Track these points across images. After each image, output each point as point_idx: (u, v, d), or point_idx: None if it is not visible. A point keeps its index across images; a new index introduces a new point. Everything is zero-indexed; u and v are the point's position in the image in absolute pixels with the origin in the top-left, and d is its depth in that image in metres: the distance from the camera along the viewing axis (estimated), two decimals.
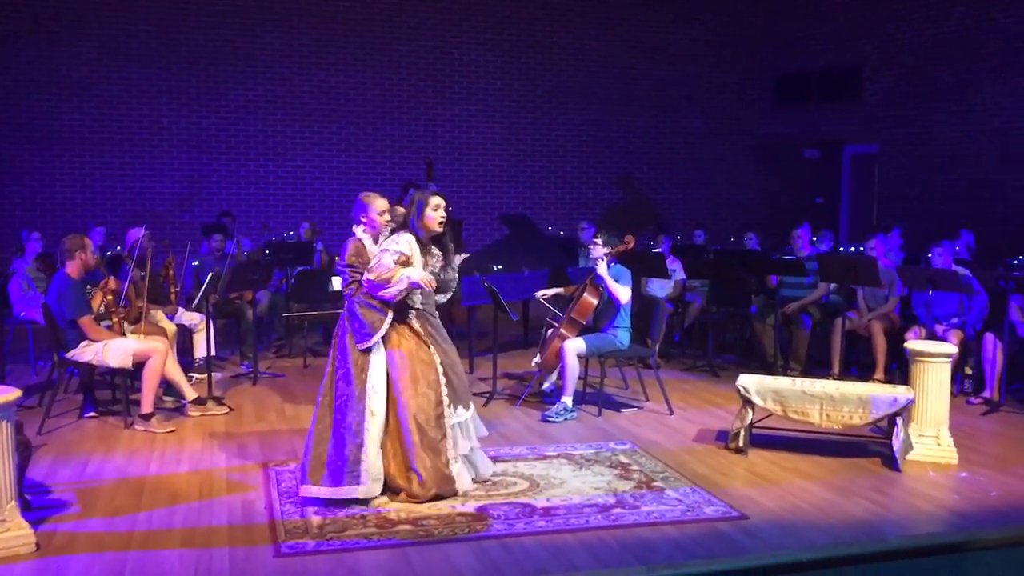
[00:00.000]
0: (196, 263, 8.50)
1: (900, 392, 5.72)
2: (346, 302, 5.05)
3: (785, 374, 8.24)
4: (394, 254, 4.87)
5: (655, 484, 5.29)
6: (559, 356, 6.76)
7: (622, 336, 6.88)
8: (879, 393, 5.73)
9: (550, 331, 7.11)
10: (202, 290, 7.22)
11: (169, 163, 11.42)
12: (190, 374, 7.58)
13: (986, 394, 7.40)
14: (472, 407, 5.22)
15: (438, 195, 5.06)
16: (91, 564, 4.16)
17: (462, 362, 5.44)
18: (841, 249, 10.14)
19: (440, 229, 5.05)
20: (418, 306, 5.05)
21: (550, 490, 5.16)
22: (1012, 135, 10.71)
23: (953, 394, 7.58)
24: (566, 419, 6.67)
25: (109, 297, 6.64)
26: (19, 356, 8.35)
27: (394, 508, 4.83)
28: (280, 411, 6.97)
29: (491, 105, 12.53)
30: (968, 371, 7.74)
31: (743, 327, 9.33)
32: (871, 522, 4.77)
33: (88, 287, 6.71)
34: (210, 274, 7.39)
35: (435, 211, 5.00)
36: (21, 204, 10.90)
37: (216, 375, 8.06)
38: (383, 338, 4.93)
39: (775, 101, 13.39)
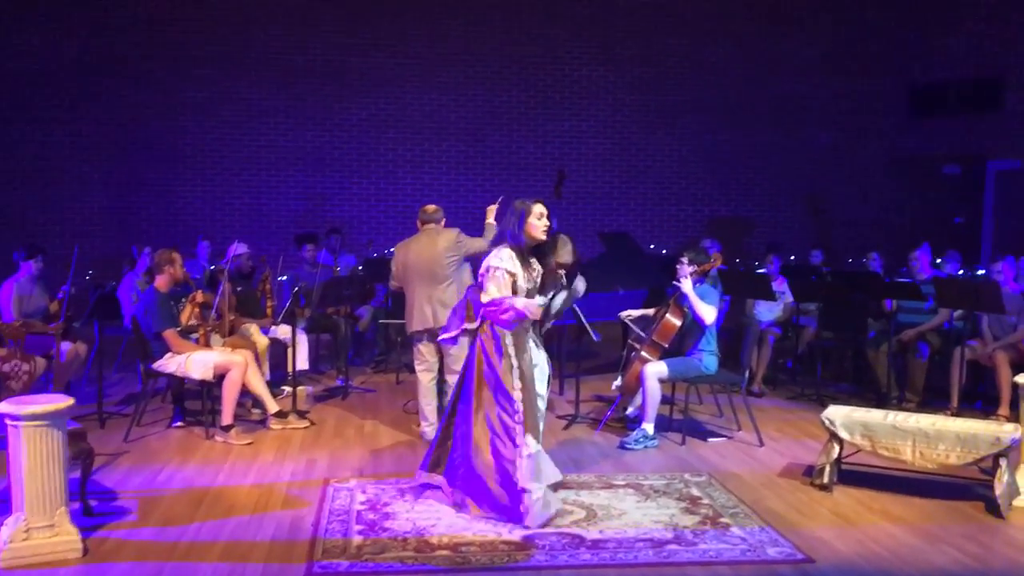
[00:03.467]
0: (284, 277, 8.63)
1: (1006, 430, 5.16)
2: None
3: (900, 406, 7.68)
4: (500, 274, 4.78)
5: (721, 520, 4.94)
6: (639, 380, 6.47)
7: (708, 360, 6.53)
8: (981, 431, 5.18)
9: (632, 353, 6.83)
10: (287, 303, 7.31)
11: (285, 180, 11.75)
12: (282, 387, 7.71)
13: None
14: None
15: (541, 203, 4.94)
16: (130, 572, 4.20)
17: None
18: (979, 272, 9.35)
19: (544, 237, 4.92)
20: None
21: (606, 521, 4.90)
22: None
23: None
24: (646, 447, 6.38)
25: (196, 310, 6.81)
26: (131, 365, 8.70)
27: (439, 532, 4.69)
28: (359, 428, 6.96)
29: (601, 121, 12.30)
30: None
31: (857, 354, 8.74)
32: (953, 574, 4.29)
33: (182, 300, 6.91)
34: (296, 288, 7.47)
35: (539, 220, 4.89)
36: (146, 219, 11.44)
37: (308, 389, 8.18)
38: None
39: (911, 114, 12.58)
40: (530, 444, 4.76)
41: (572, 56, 12.19)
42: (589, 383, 8.05)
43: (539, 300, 4.85)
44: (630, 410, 6.99)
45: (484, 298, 4.75)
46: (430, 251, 6.41)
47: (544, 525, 4.72)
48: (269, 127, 11.71)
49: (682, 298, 6.52)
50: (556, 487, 5.17)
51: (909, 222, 12.03)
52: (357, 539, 4.60)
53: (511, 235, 4.88)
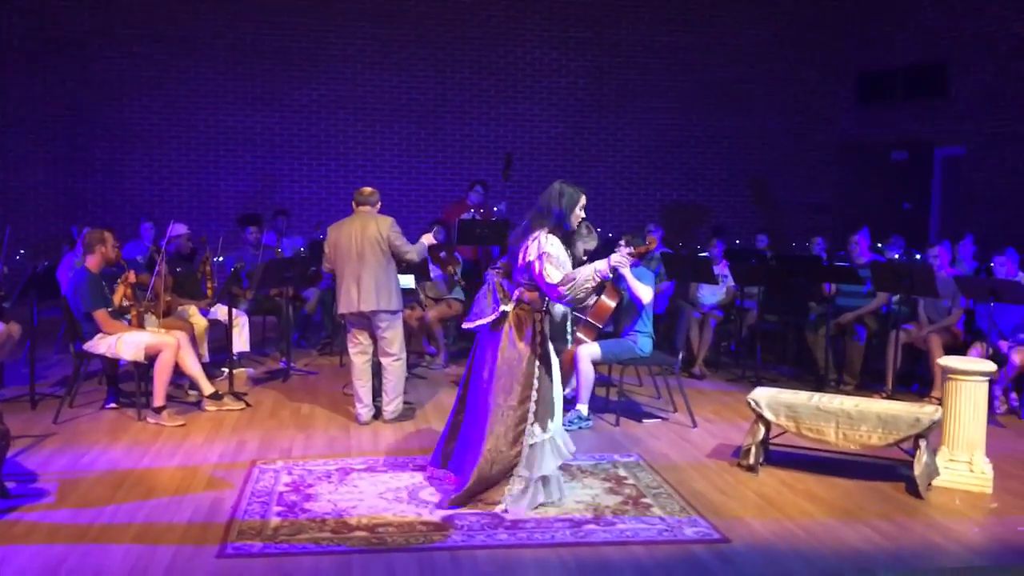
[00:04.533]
0: (220, 258, 8.52)
1: (926, 412, 5.22)
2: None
3: (839, 388, 7.77)
4: (555, 258, 4.66)
5: (643, 501, 4.97)
6: (573, 361, 6.48)
7: (642, 342, 6.55)
8: (901, 412, 5.25)
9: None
10: (221, 285, 7.24)
11: (234, 161, 11.62)
12: (222, 369, 7.65)
13: None
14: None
15: (585, 193, 4.89)
16: (36, 556, 4.14)
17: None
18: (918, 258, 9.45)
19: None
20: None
21: None
22: None
23: (1020, 416, 7.03)
24: (580, 428, 6.39)
25: (129, 290, 6.72)
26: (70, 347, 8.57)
27: (360, 513, 4.68)
28: (296, 410, 6.92)
29: (555, 104, 12.26)
30: None
31: (799, 338, 8.81)
32: (867, 553, 4.34)
33: (116, 281, 6.81)
34: (233, 268, 7.40)
35: (582, 211, 4.87)
36: (93, 200, 11.27)
37: (249, 371, 8.15)
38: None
39: (858, 100, 12.66)
40: (536, 433, 4.74)
41: (526, 39, 12.13)
42: None
43: (599, 263, 4.73)
44: (566, 391, 6.98)
45: (552, 280, 4.61)
46: (360, 234, 6.35)
47: (527, 511, 4.69)
48: (218, 107, 11.56)
49: (619, 280, 6.53)
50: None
51: (858, 208, 12.12)
52: (275, 520, 4.58)
53: (559, 217, 4.76)
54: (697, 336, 8.47)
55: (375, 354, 6.58)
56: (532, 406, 4.74)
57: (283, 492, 5.00)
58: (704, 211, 12.50)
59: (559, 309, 5.20)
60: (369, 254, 6.30)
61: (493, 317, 4.80)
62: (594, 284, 4.67)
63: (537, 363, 4.78)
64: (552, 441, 4.83)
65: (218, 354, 8.06)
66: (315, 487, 5.08)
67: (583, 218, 4.94)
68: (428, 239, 6.77)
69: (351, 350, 6.56)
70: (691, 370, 8.41)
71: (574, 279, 4.62)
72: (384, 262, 6.33)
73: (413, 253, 6.44)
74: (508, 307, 4.78)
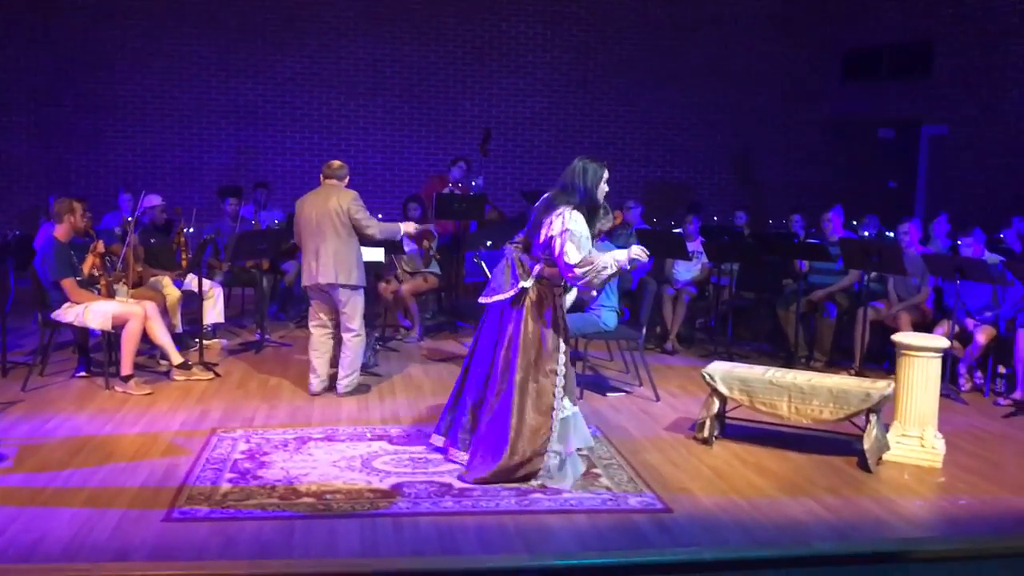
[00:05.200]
0: (190, 229, 8.50)
1: (877, 387, 5.26)
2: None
3: (809, 365, 7.81)
4: (578, 236, 4.64)
5: (594, 471, 5.02)
6: None
7: (607, 316, 6.58)
8: (852, 387, 5.29)
9: None
10: (191, 255, 7.28)
11: (217, 134, 11.62)
12: (196, 340, 7.70)
13: (1016, 395, 6.78)
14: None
15: (608, 169, 4.88)
16: None
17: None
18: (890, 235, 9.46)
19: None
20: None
21: None
22: None
23: (984, 393, 7.07)
24: None
25: (98, 260, 6.77)
26: None
27: (310, 480, 4.74)
28: (264, 381, 6.97)
29: (539, 79, 12.23)
30: (1002, 370, 7.11)
31: (773, 314, 8.84)
32: (807, 525, 4.40)
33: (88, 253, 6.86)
34: (201, 240, 7.44)
35: (606, 184, 4.85)
36: (75, 171, 11.29)
37: (223, 342, 8.20)
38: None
39: (844, 78, 12.61)
40: (566, 407, 4.78)
41: (511, 13, 12.08)
42: None
43: (619, 254, 4.74)
44: None
45: (570, 260, 4.61)
46: (322, 207, 6.36)
47: (572, 485, 4.72)
48: (202, 79, 11.55)
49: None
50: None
51: (843, 186, 12.10)
52: (226, 487, 4.64)
53: (585, 194, 4.74)
54: (670, 312, 8.51)
55: (337, 328, 6.60)
56: (560, 380, 4.77)
57: (238, 459, 5.06)
58: (687, 188, 12.49)
59: (569, 297, 5.19)
60: (329, 227, 6.31)
61: (512, 293, 4.79)
62: (611, 273, 4.68)
63: (561, 338, 4.81)
64: (577, 416, 4.89)
65: (195, 325, 8.11)
66: (270, 455, 5.15)
67: (607, 191, 4.90)
68: (408, 227, 6.78)
69: (310, 323, 6.61)
70: (663, 345, 8.46)
71: (592, 264, 4.61)
72: (345, 235, 6.32)
73: (375, 229, 6.43)
74: (528, 283, 4.77)
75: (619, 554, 3.87)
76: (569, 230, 4.61)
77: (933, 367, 5.33)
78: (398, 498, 4.53)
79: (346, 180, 6.58)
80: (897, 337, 5.50)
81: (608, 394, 6.78)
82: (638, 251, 4.77)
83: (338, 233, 6.31)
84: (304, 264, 6.44)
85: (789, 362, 7.78)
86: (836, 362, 7.87)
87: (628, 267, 4.76)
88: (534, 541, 4.08)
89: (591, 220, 4.80)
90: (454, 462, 4.98)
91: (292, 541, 4.03)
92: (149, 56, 11.38)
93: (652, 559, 3.89)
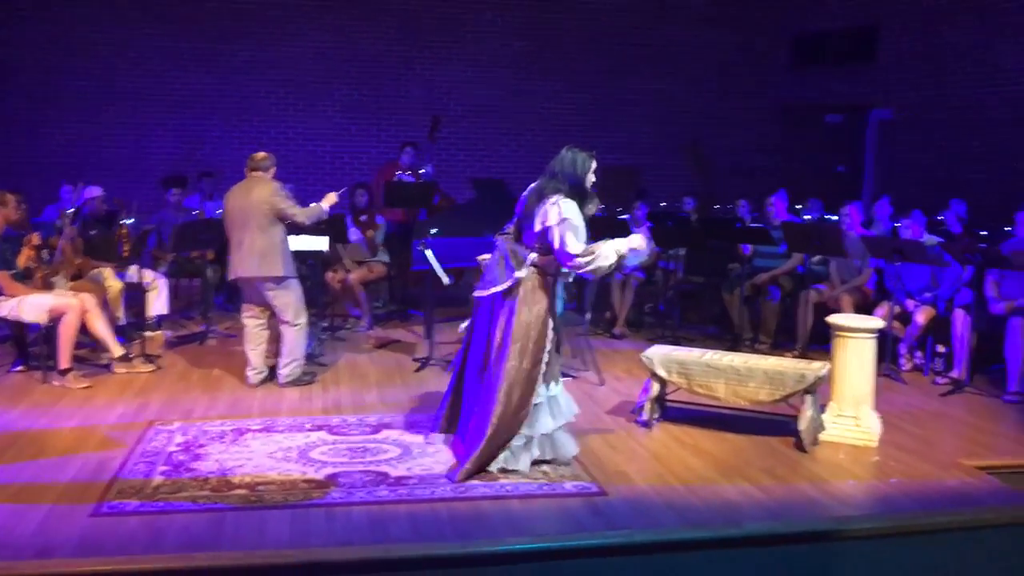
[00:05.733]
0: (130, 220, 8.37)
1: (812, 368, 5.32)
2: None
3: (753, 348, 7.89)
4: (576, 224, 4.63)
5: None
6: None
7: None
8: (788, 368, 5.34)
9: None
10: (131, 245, 7.18)
11: (164, 123, 11.44)
12: (143, 333, 7.61)
13: (954, 374, 6.89)
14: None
15: (594, 159, 4.87)
16: None
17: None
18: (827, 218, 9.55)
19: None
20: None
21: (420, 459, 4.96)
22: None
23: (924, 373, 7.18)
24: None
25: (33, 253, 6.65)
26: None
27: (245, 472, 4.70)
28: (207, 373, 6.90)
29: (491, 67, 12.19)
30: (941, 349, 7.23)
31: (719, 298, 8.91)
32: (739, 505, 4.44)
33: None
34: (140, 230, 7.35)
35: (593, 175, 4.84)
36: (18, 162, 11.06)
37: (166, 334, 8.10)
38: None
39: (793, 63, 12.70)
40: (540, 393, 4.76)
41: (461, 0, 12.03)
42: (452, 326, 8.07)
43: (620, 243, 4.74)
44: None
45: (572, 250, 4.59)
46: (244, 199, 6.27)
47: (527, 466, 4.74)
48: (147, 69, 11.36)
49: None
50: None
51: (793, 170, 12.20)
52: (158, 479, 4.59)
53: (576, 182, 4.73)
54: (619, 297, 8.55)
55: (272, 318, 6.54)
56: (543, 368, 4.76)
57: (173, 452, 5.01)
58: (638, 174, 12.51)
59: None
60: (252, 220, 6.21)
61: (508, 284, 4.77)
62: (612, 263, 4.69)
63: (551, 323, 4.81)
64: (555, 400, 4.87)
65: (140, 317, 8.00)
66: (206, 447, 5.10)
67: (594, 181, 4.90)
68: (331, 199, 6.71)
69: (243, 315, 6.55)
70: (612, 330, 8.50)
71: (594, 254, 4.61)
72: (268, 227, 6.22)
73: (301, 216, 6.37)
74: (523, 272, 4.76)
75: (549, 539, 3.90)
76: (567, 219, 4.62)
77: (868, 348, 5.39)
78: (332, 488, 4.50)
79: (272, 171, 6.47)
80: (832, 319, 5.55)
81: None
82: (639, 240, 4.81)
83: (260, 226, 6.21)
84: (230, 257, 6.38)
85: (735, 345, 7.86)
86: (781, 344, 7.94)
87: (628, 257, 4.78)
88: (466, 528, 4.07)
89: (580, 208, 4.80)
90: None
91: (221, 533, 3.98)
92: (90, 45, 11.18)
93: (582, 543, 3.95)
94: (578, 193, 4.74)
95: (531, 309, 4.75)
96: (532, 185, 4.89)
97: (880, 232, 8.40)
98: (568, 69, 12.42)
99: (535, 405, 4.75)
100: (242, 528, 4.04)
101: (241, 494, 4.42)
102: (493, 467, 4.71)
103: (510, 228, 5.00)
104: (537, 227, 4.71)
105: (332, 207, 6.73)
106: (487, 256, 7.00)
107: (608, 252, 4.66)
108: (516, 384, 4.69)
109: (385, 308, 9.65)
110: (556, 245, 4.63)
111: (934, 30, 10.87)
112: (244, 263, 6.24)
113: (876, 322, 5.50)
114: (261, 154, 6.50)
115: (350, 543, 3.90)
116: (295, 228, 6.61)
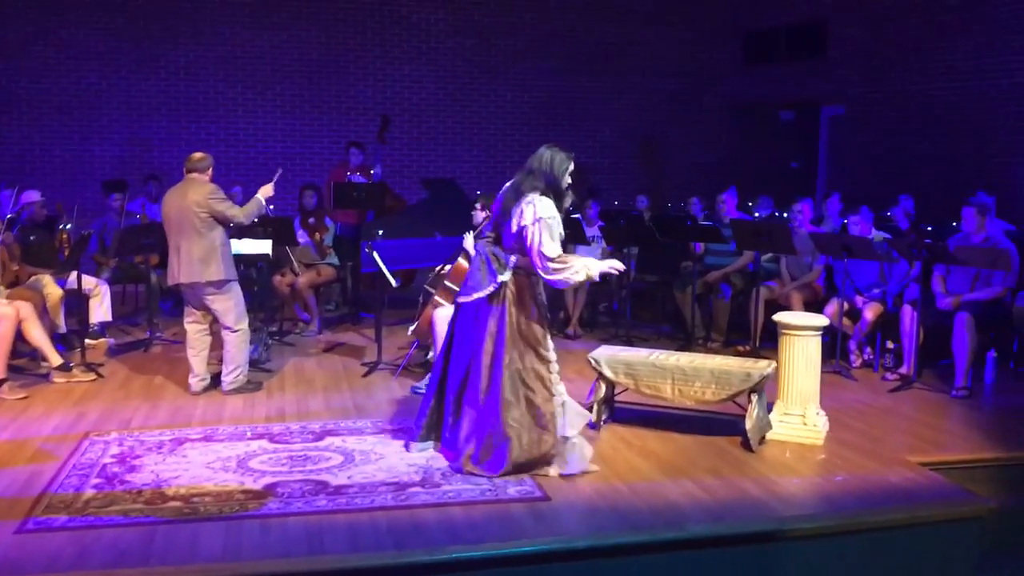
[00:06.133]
0: (68, 225, 8.20)
1: (758, 367, 5.30)
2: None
3: (706, 346, 7.88)
4: (553, 224, 4.61)
5: None
6: (431, 324, 6.43)
7: None
8: (734, 367, 5.32)
9: (426, 298, 6.78)
10: (69, 251, 7.01)
11: (108, 126, 11.22)
12: (86, 340, 7.42)
13: (903, 369, 6.92)
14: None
15: (572, 159, 4.83)
16: None
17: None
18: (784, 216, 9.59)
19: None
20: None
21: (361, 467, 4.87)
22: (988, 94, 9.97)
23: (873, 369, 7.20)
24: None
25: None
26: None
27: (180, 483, 4.58)
28: (149, 381, 6.75)
29: (442, 66, 12.10)
30: (890, 345, 7.26)
31: (672, 297, 8.90)
32: (682, 508, 4.39)
33: None
34: (79, 235, 7.17)
35: (569, 176, 4.80)
36: None
37: (110, 341, 7.93)
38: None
39: (745, 60, 12.76)
40: (560, 391, 4.75)
41: None
42: (403, 329, 7.98)
43: (592, 264, 4.70)
44: (431, 355, 6.94)
45: (549, 251, 4.54)
46: (180, 202, 6.13)
47: (582, 471, 4.71)
48: (91, 69, 11.12)
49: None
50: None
51: (747, 167, 12.24)
52: (89, 493, 4.46)
53: (552, 181, 4.68)
54: (572, 297, 8.50)
55: (214, 324, 6.41)
56: (555, 365, 4.75)
57: (107, 464, 4.87)
58: (592, 173, 12.49)
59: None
60: (188, 224, 6.07)
61: (492, 289, 4.72)
62: (579, 280, 4.68)
63: (545, 324, 4.79)
64: (568, 402, 4.85)
65: (83, 324, 7.81)
66: (142, 458, 4.96)
67: (569, 183, 4.85)
68: (266, 190, 6.58)
69: (185, 320, 6.40)
70: (566, 331, 8.45)
71: (566, 265, 4.59)
72: (205, 231, 6.08)
73: (240, 215, 6.24)
74: (506, 276, 4.71)
75: (486, 547, 3.83)
76: (542, 218, 4.58)
77: (813, 345, 5.38)
78: (270, 498, 4.40)
79: (209, 172, 6.34)
80: (778, 317, 5.54)
81: None
82: (613, 263, 4.81)
83: (197, 229, 6.07)
84: (169, 262, 6.23)
85: (687, 343, 7.85)
86: (733, 342, 7.95)
87: (599, 279, 4.81)
88: (405, 537, 3.99)
89: (559, 203, 4.78)
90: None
91: (151, 548, 3.86)
92: (33, 45, 10.92)
93: (520, 550, 3.89)
94: (554, 191, 4.71)
95: (522, 311, 4.73)
96: (508, 183, 4.87)
97: (830, 228, 8.43)
98: (520, 67, 12.37)
99: (562, 405, 4.75)
100: (173, 542, 3.93)
101: (175, 506, 4.30)
102: (552, 472, 4.68)
103: (489, 232, 4.96)
104: (514, 227, 4.67)
105: (268, 199, 6.59)
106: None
107: (580, 269, 4.64)
108: (527, 386, 4.69)
109: (337, 311, 9.54)
110: (530, 244, 4.59)
111: (883, 25, 10.94)
112: (183, 268, 6.10)
113: (822, 320, 5.49)
114: (198, 155, 6.36)
115: (285, 555, 3.81)
116: (240, 230, 6.47)
